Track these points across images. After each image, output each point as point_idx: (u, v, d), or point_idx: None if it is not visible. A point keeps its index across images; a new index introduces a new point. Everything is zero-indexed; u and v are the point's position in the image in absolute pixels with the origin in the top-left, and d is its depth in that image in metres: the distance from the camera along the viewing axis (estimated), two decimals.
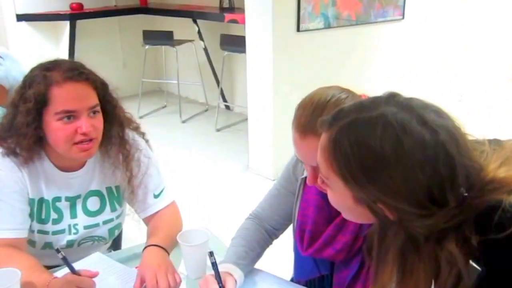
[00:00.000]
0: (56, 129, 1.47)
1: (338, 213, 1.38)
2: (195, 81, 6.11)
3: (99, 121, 1.54)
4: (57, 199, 1.62)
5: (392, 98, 0.96)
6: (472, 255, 0.89)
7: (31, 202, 1.57)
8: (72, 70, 1.48)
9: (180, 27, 5.92)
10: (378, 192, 0.89)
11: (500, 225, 0.85)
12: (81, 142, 1.49)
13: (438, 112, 0.93)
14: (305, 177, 1.49)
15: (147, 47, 5.74)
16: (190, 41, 5.84)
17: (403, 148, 0.87)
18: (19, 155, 1.51)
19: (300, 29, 4.15)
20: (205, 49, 5.99)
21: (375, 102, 0.96)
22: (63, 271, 1.46)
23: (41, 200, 1.59)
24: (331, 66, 4.49)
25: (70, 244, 1.67)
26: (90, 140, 1.50)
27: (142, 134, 1.74)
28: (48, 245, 1.65)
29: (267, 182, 4.30)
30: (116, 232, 1.79)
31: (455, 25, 6.10)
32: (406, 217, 0.89)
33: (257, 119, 4.44)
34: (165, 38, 5.61)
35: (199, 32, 5.94)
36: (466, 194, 0.88)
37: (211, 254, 1.38)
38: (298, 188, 1.53)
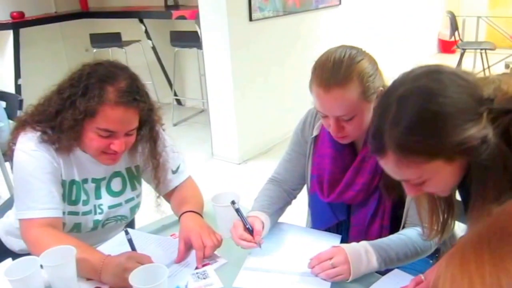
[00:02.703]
0: (91, 138, 1.56)
1: (353, 160, 1.59)
2: (145, 80, 6.12)
3: (132, 138, 1.63)
4: (85, 181, 1.69)
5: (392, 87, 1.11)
6: None
7: (63, 183, 1.63)
8: (128, 93, 1.52)
9: (125, 28, 5.95)
10: (452, 137, 1.01)
11: None
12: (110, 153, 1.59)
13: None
14: (315, 137, 1.68)
15: (94, 50, 5.73)
16: (137, 41, 5.89)
17: (444, 99, 1.02)
18: (56, 147, 1.59)
19: (252, 18, 4.34)
20: (153, 48, 6.07)
21: (390, 91, 1.11)
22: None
23: (73, 182, 1.66)
24: (282, 51, 4.73)
25: (95, 226, 1.74)
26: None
27: (162, 125, 1.81)
28: (77, 226, 1.71)
29: (233, 166, 4.52)
30: (136, 210, 1.88)
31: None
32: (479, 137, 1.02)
33: (218, 109, 4.59)
34: (113, 40, 5.64)
35: (146, 31, 6.00)
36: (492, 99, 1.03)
37: (233, 202, 1.55)
38: (309, 148, 1.71)
